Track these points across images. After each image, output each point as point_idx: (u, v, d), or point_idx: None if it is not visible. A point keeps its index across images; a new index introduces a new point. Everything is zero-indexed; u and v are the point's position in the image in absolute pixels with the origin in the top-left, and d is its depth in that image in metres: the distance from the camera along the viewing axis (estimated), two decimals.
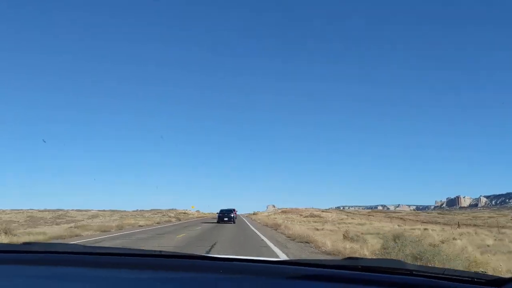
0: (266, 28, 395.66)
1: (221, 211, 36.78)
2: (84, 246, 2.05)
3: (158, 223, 39.14)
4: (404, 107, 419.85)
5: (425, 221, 60.57)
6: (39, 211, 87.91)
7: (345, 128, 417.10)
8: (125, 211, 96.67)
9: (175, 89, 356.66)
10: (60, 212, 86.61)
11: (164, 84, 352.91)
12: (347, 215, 75.10)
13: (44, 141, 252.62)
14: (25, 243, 2.16)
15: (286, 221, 39.31)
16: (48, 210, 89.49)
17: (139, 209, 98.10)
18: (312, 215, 68.44)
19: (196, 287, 1.52)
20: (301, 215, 71.11)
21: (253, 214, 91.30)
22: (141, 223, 36.47)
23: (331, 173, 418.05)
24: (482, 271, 1.83)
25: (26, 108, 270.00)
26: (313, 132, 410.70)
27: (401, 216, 79.16)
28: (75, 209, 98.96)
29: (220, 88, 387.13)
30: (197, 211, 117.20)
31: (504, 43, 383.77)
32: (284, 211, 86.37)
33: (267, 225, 32.46)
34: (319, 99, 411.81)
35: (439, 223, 52.94)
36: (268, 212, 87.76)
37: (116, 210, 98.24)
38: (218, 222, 34.28)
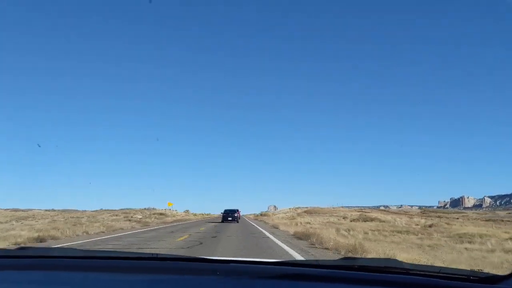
0: (266, 27, 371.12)
1: (225, 211, 36.09)
2: (81, 250, 2.01)
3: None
4: (407, 107, 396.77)
5: None
6: None
7: (344, 128, 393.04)
8: (85, 211, 71.43)
9: (173, 89, 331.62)
10: None
11: (161, 83, 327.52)
12: (407, 216, 49.11)
13: (39, 146, 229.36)
14: (20, 248, 2.11)
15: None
16: None
17: (103, 209, 72.04)
18: (364, 218, 42.33)
19: None
20: (344, 217, 44.99)
21: (261, 215, 65.20)
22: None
23: (330, 173, 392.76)
24: (478, 270, 1.96)
25: None
26: (311, 132, 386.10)
27: (487, 217, 53.29)
28: (14, 208, 73.80)
29: (218, 87, 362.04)
30: (186, 211, 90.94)
31: (493, 41, 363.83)
32: (307, 211, 60.42)
33: None
34: (319, 98, 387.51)
35: None
36: (285, 213, 61.86)
37: (70, 210, 72.74)
38: (222, 221, 34.32)
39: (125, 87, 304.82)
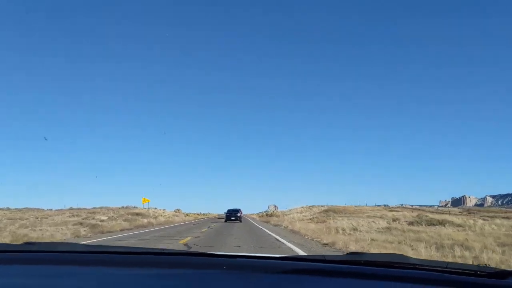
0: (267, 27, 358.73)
1: (228, 211, 38.65)
2: (87, 245, 2.03)
3: None
4: (408, 105, 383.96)
5: None
6: None
7: (344, 127, 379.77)
8: (50, 209, 58.57)
9: (173, 88, 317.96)
10: None
11: (159, 81, 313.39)
12: (479, 218, 36.35)
13: (46, 139, 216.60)
14: (26, 243, 2.13)
15: None
16: None
17: (73, 207, 59.12)
18: (427, 220, 29.53)
19: (200, 283, 1.48)
20: (395, 219, 32.24)
21: (268, 215, 52.29)
22: None
23: (328, 172, 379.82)
24: (485, 264, 1.73)
25: None
26: (309, 131, 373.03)
27: None
28: None
29: (220, 87, 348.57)
30: (176, 210, 77.85)
31: (495, 39, 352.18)
32: (330, 210, 47.49)
33: None
34: (318, 98, 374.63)
35: None
36: (300, 213, 48.86)
37: (29, 209, 60.03)
38: (225, 221, 36.20)
39: (124, 85, 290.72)
